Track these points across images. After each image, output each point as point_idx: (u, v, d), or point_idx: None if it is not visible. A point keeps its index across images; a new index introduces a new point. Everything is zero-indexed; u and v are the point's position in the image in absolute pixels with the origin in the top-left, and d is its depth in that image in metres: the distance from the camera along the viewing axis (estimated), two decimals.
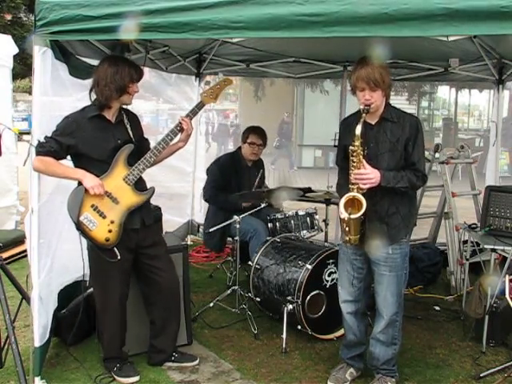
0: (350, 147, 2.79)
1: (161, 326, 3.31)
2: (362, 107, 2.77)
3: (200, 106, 3.24)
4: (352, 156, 2.80)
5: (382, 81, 2.73)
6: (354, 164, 2.79)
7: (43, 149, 2.87)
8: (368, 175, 2.76)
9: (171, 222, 5.68)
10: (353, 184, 2.80)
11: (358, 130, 2.73)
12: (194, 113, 3.18)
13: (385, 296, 2.97)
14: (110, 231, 2.94)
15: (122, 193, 2.98)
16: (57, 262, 3.30)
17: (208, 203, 4.80)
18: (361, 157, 2.77)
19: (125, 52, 3.82)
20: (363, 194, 2.77)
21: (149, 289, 3.26)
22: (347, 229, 2.84)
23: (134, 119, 3.20)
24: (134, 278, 3.24)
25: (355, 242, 2.89)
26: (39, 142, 2.89)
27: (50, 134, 2.91)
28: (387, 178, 2.78)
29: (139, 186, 3.07)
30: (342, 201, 2.80)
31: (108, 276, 3.09)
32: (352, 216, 2.75)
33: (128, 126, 3.11)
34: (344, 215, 2.76)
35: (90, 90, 3.03)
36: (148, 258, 3.18)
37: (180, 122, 3.15)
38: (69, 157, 3.01)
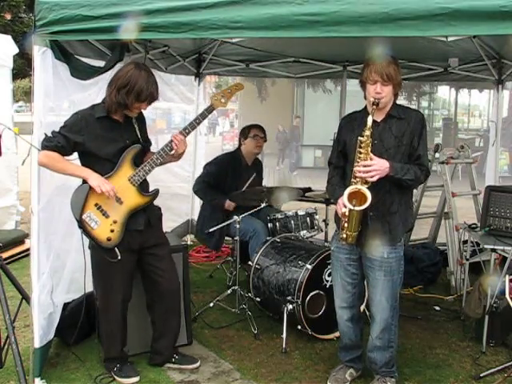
0: (360, 138, 2.74)
1: (161, 327, 3.30)
2: (372, 99, 2.75)
3: (210, 109, 3.18)
4: (360, 148, 2.74)
5: (395, 76, 2.74)
6: (361, 156, 2.73)
7: (50, 143, 2.84)
8: (374, 166, 2.71)
9: (171, 221, 5.68)
10: (355, 178, 2.75)
11: (370, 120, 2.71)
12: (203, 116, 3.15)
13: (380, 301, 2.94)
14: (112, 231, 2.93)
15: (126, 193, 2.96)
16: (59, 262, 3.29)
17: (196, 195, 4.82)
18: (369, 149, 2.72)
19: (124, 52, 3.82)
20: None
21: (149, 289, 3.25)
22: (346, 224, 2.78)
23: (141, 119, 3.16)
24: (136, 278, 3.23)
25: (352, 240, 2.82)
26: (46, 136, 2.85)
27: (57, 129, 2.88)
28: (396, 168, 2.75)
29: (142, 187, 3.04)
30: (346, 193, 2.73)
31: (110, 277, 3.07)
32: (356, 208, 2.69)
33: (136, 126, 3.08)
34: (348, 206, 2.70)
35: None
36: (150, 258, 3.15)
37: (171, 140, 3.05)
38: (75, 154, 2.98)
